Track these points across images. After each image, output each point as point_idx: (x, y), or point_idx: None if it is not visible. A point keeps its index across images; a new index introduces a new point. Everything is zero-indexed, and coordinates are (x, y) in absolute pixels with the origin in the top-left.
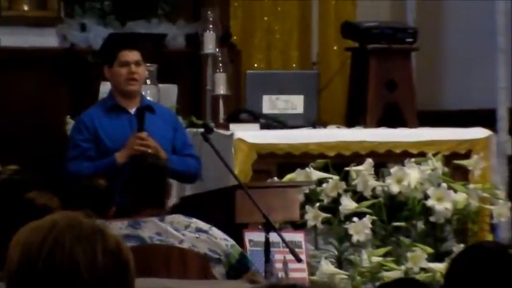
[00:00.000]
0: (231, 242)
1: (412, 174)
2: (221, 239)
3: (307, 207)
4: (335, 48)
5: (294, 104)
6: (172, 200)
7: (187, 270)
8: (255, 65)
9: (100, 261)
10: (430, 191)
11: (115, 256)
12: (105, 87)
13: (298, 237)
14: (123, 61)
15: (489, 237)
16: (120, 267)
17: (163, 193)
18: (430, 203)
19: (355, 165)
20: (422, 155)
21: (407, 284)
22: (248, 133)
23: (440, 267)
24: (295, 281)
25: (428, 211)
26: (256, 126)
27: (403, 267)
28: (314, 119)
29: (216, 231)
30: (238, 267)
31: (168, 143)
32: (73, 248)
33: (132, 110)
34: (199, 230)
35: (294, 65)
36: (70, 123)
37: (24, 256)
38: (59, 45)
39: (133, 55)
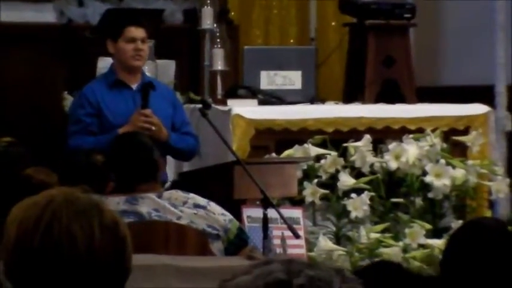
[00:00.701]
0: (229, 216)
1: (410, 151)
2: (219, 214)
3: (305, 183)
4: (333, 24)
5: (292, 79)
6: (170, 176)
7: (185, 247)
8: (253, 41)
9: (97, 237)
10: (429, 167)
11: (112, 231)
12: (102, 63)
13: (296, 213)
14: (130, 37)
15: (487, 214)
16: (117, 242)
17: (153, 168)
18: (428, 179)
19: (353, 141)
20: (420, 131)
21: (384, 266)
22: (246, 109)
23: (438, 243)
24: (293, 257)
25: (426, 187)
26: (254, 102)
27: (401, 244)
28: (312, 95)
29: (214, 207)
30: (237, 243)
31: (168, 120)
32: (70, 223)
33: (134, 86)
34: (197, 205)
35: (292, 41)
36: (67, 98)
37: (21, 232)
38: (56, 20)
39: (140, 32)
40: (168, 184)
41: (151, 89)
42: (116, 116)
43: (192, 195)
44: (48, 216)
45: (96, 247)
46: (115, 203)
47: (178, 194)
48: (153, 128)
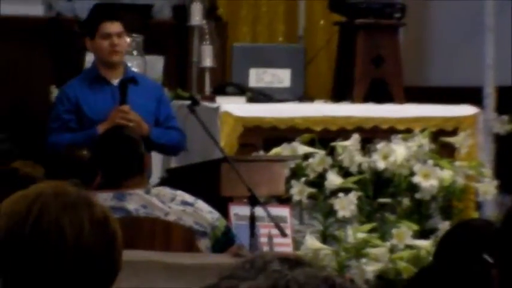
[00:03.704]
0: (217, 214)
1: (398, 151)
2: (207, 211)
3: (293, 181)
4: (322, 22)
5: (281, 77)
6: (157, 172)
7: (171, 243)
8: (241, 38)
9: (87, 231)
10: (417, 167)
11: (102, 226)
12: (90, 57)
13: (283, 211)
14: (105, 33)
15: (474, 215)
16: (107, 237)
17: (140, 161)
18: (416, 179)
19: (341, 141)
20: (409, 131)
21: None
22: (234, 106)
23: (425, 244)
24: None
25: (414, 188)
26: (243, 99)
27: (388, 244)
28: (301, 93)
29: (201, 204)
30: (224, 241)
31: (151, 115)
32: (59, 217)
33: (115, 81)
34: (184, 202)
35: (280, 39)
36: (55, 92)
37: (10, 225)
38: (45, 14)
39: (115, 26)
40: (156, 181)
41: (133, 84)
42: (95, 112)
43: (179, 192)
44: (38, 209)
45: (85, 241)
46: (103, 199)
47: (166, 191)
48: (131, 124)
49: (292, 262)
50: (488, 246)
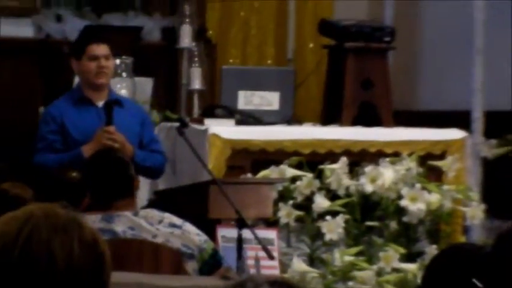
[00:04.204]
0: (204, 237)
1: (386, 174)
2: (194, 234)
3: (281, 204)
4: (311, 45)
5: (270, 100)
6: (145, 194)
7: (159, 265)
8: (230, 60)
9: (76, 253)
10: (404, 191)
11: (91, 248)
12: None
13: (270, 234)
14: (92, 55)
15: (462, 239)
16: (96, 259)
17: (130, 183)
18: (403, 203)
19: (329, 164)
20: (397, 154)
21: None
22: (223, 128)
23: (412, 267)
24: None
25: (401, 211)
26: (231, 121)
27: (375, 267)
28: (289, 116)
29: (189, 227)
30: (212, 263)
31: (135, 137)
32: (49, 239)
33: (100, 103)
34: (172, 225)
35: (270, 61)
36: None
37: (0, 247)
38: (34, 35)
39: (102, 49)
40: (144, 203)
41: (118, 106)
42: (80, 132)
43: (167, 214)
44: (27, 231)
45: (75, 263)
46: (91, 221)
47: (154, 213)
48: (116, 145)
49: (283, 285)
50: (477, 271)
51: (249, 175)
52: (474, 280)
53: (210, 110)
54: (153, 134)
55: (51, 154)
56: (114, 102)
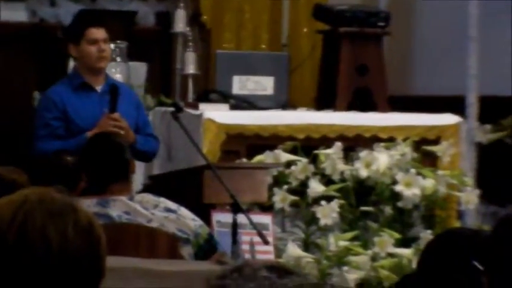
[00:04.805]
0: (200, 222)
1: (381, 159)
2: (190, 219)
3: (275, 189)
4: (305, 30)
5: (264, 85)
6: (140, 179)
7: (155, 250)
8: (225, 45)
9: (71, 237)
10: (399, 176)
11: (87, 232)
12: (74, 63)
13: (265, 219)
14: (91, 39)
15: (456, 224)
16: (91, 243)
17: (125, 167)
18: (398, 188)
19: (324, 149)
20: (391, 139)
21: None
22: (217, 113)
23: (407, 252)
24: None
25: (396, 196)
26: (226, 106)
27: (369, 252)
28: (284, 101)
29: (184, 211)
30: (207, 248)
31: (133, 121)
32: (44, 223)
33: (99, 88)
34: (168, 209)
35: (264, 46)
36: (38, 99)
37: None
38: (28, 20)
39: (101, 32)
40: (139, 187)
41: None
42: (83, 119)
43: (162, 199)
44: (22, 216)
45: (70, 248)
46: (86, 205)
47: (149, 197)
48: (122, 132)
49: (280, 270)
50: (476, 255)
51: (244, 160)
52: (475, 263)
53: (205, 95)
54: (146, 117)
55: (55, 141)
56: (116, 88)
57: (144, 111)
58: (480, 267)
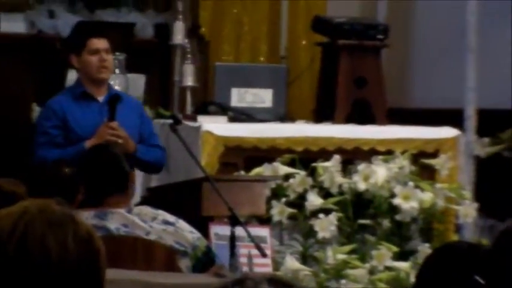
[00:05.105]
0: (198, 234)
1: (379, 172)
2: (188, 231)
3: (273, 202)
4: (304, 42)
5: (263, 97)
6: (138, 190)
7: (153, 262)
8: (223, 57)
9: (71, 249)
10: (397, 189)
11: (86, 244)
12: (72, 75)
13: (263, 232)
14: (93, 49)
15: (454, 238)
16: (91, 255)
17: (124, 179)
18: (396, 201)
19: (322, 161)
20: (390, 152)
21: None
22: (216, 125)
23: (404, 266)
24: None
25: (394, 209)
26: (224, 118)
27: (367, 265)
28: (282, 114)
29: (182, 224)
30: (205, 261)
31: (136, 132)
32: (44, 235)
33: (101, 98)
34: (166, 222)
35: (262, 59)
36: (36, 110)
37: None
38: (27, 31)
39: (102, 43)
40: (138, 200)
41: (118, 101)
42: (83, 128)
43: (161, 211)
44: (22, 228)
45: (69, 259)
46: (84, 217)
47: (147, 210)
48: (120, 140)
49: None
50: (478, 268)
51: (242, 172)
52: (476, 277)
53: (203, 107)
54: (152, 128)
55: (53, 149)
56: (116, 97)
57: (150, 121)
58: (481, 281)
